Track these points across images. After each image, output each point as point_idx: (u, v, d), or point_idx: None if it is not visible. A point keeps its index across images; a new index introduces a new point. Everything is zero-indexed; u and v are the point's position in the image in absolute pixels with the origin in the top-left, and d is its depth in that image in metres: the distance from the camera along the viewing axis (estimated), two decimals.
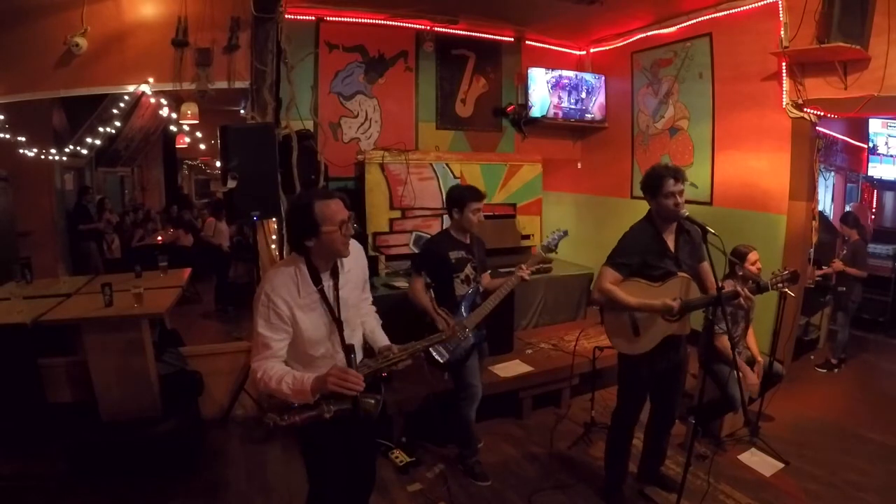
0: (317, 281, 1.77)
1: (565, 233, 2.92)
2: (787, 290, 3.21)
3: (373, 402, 1.71)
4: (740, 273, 3.14)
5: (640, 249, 2.42)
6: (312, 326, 1.77)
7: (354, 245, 1.92)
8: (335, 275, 1.82)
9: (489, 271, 3.12)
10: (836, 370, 4.55)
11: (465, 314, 2.84)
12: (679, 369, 2.63)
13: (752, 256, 3.14)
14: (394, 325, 3.85)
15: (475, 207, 2.85)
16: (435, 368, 2.89)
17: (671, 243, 2.45)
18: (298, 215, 1.74)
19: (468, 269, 2.91)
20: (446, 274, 2.89)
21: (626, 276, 2.42)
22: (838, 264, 4.58)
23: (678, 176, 2.35)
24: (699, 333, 3.34)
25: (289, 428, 1.72)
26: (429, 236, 4.58)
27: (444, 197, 3.04)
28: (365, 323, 2.04)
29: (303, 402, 1.67)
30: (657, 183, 2.37)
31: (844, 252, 4.73)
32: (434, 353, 2.81)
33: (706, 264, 2.53)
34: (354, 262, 1.91)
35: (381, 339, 2.02)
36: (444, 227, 4.64)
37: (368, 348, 2.03)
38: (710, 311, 3.17)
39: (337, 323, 1.81)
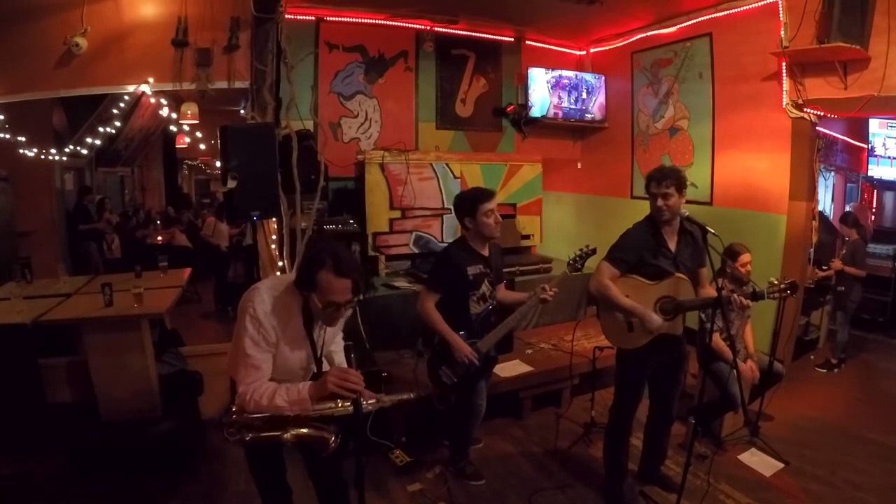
0: (308, 324, 1.72)
1: (593, 250, 2.65)
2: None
3: (332, 438, 1.66)
4: (729, 271, 3.15)
5: (638, 246, 2.45)
6: (292, 359, 1.75)
7: None
8: None
9: (504, 282, 2.90)
10: (836, 370, 4.55)
11: (478, 335, 2.65)
12: (676, 368, 2.64)
13: (744, 258, 3.15)
14: (393, 325, 3.86)
15: (488, 209, 2.57)
16: (442, 390, 2.69)
17: (672, 244, 2.47)
18: (306, 262, 1.65)
19: (485, 287, 2.68)
20: (462, 291, 2.63)
21: (623, 271, 2.45)
22: (837, 263, 4.60)
23: (660, 177, 2.38)
24: (697, 333, 3.34)
25: (251, 442, 1.68)
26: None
27: (452, 208, 2.75)
28: (335, 353, 1.98)
29: (301, 413, 1.63)
30: (647, 184, 2.44)
31: (844, 252, 4.74)
32: (442, 376, 2.65)
33: (705, 270, 2.56)
34: None
35: None
36: (443, 227, 4.69)
37: None
38: (704, 311, 3.20)
39: (317, 362, 1.78)
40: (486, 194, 2.63)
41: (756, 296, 2.46)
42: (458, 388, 2.68)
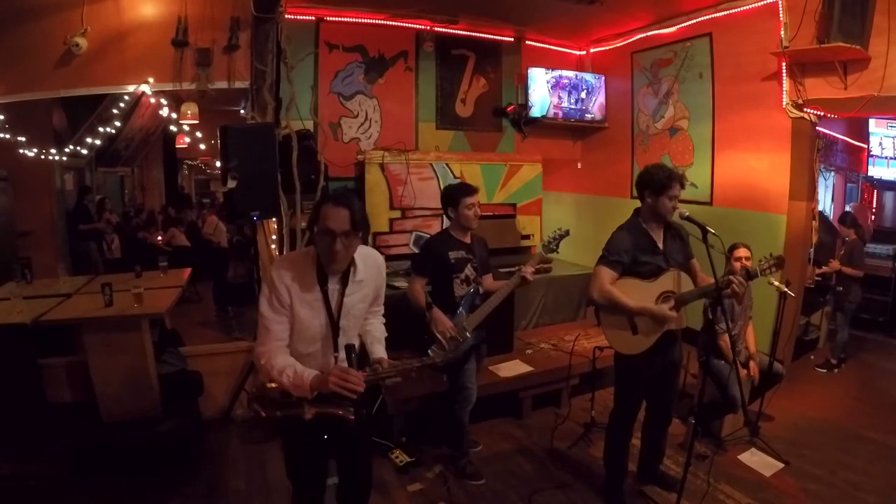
0: (323, 281, 1.75)
1: (566, 232, 2.85)
2: (786, 290, 3.22)
3: (351, 412, 1.70)
4: (728, 268, 3.16)
5: (632, 246, 2.45)
6: (308, 323, 1.76)
7: (374, 258, 1.89)
8: (344, 280, 1.79)
9: (491, 274, 3.05)
10: (835, 370, 4.56)
11: (464, 315, 2.80)
12: (675, 366, 2.64)
13: (739, 252, 3.17)
14: (393, 325, 3.84)
15: (468, 203, 2.80)
16: (432, 370, 2.81)
17: (659, 240, 2.49)
18: (313, 208, 1.76)
19: (468, 270, 2.87)
20: (446, 274, 2.84)
21: (620, 273, 2.44)
22: (835, 264, 4.62)
23: (682, 180, 2.44)
24: (698, 333, 3.34)
25: (270, 421, 1.76)
26: (428, 236, 4.57)
27: (440, 200, 3.02)
28: (368, 332, 1.99)
29: (300, 396, 1.68)
30: (665, 183, 2.39)
31: (842, 252, 4.76)
32: (431, 354, 2.71)
33: (695, 261, 2.60)
34: (369, 275, 1.86)
35: (378, 353, 1.95)
36: (443, 227, 4.69)
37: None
38: (709, 311, 3.20)
39: (333, 328, 1.78)
40: (469, 190, 2.86)
41: (750, 275, 2.44)
42: (447, 368, 2.82)
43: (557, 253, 2.89)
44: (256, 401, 1.76)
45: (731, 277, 2.37)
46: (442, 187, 4.66)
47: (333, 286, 1.77)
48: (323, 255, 1.71)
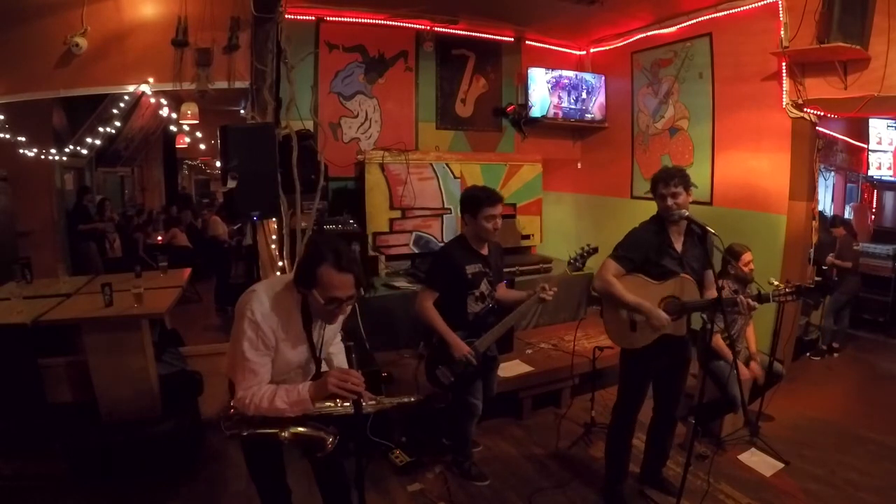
0: (307, 323, 1.72)
1: (595, 249, 2.60)
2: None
3: (330, 439, 1.68)
4: (732, 272, 3.16)
5: (645, 246, 2.45)
6: (291, 357, 1.75)
7: None
8: None
9: (504, 281, 2.88)
10: (825, 356, 4.78)
11: (476, 335, 2.64)
12: (680, 369, 2.63)
13: (746, 257, 3.18)
14: (393, 325, 3.85)
15: (489, 213, 2.53)
16: (440, 390, 2.69)
17: (678, 245, 2.47)
18: (305, 259, 1.66)
19: (483, 286, 2.66)
20: (460, 290, 2.62)
21: (628, 269, 2.45)
22: (830, 259, 4.90)
23: (667, 178, 2.42)
24: (698, 333, 3.34)
25: (248, 438, 1.69)
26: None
27: (459, 199, 2.76)
28: (334, 356, 1.99)
29: (302, 413, 1.64)
30: (652, 186, 2.48)
31: (837, 249, 5.00)
32: (440, 376, 2.63)
33: (710, 273, 2.54)
34: None
35: None
36: (443, 227, 4.69)
37: None
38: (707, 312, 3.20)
39: (316, 361, 1.78)
40: (493, 198, 2.58)
41: (761, 298, 2.44)
42: (455, 388, 2.68)
43: (581, 270, 2.68)
44: (229, 420, 1.70)
45: (740, 299, 2.37)
46: (442, 187, 4.67)
47: (316, 324, 1.76)
48: (321, 315, 1.67)
